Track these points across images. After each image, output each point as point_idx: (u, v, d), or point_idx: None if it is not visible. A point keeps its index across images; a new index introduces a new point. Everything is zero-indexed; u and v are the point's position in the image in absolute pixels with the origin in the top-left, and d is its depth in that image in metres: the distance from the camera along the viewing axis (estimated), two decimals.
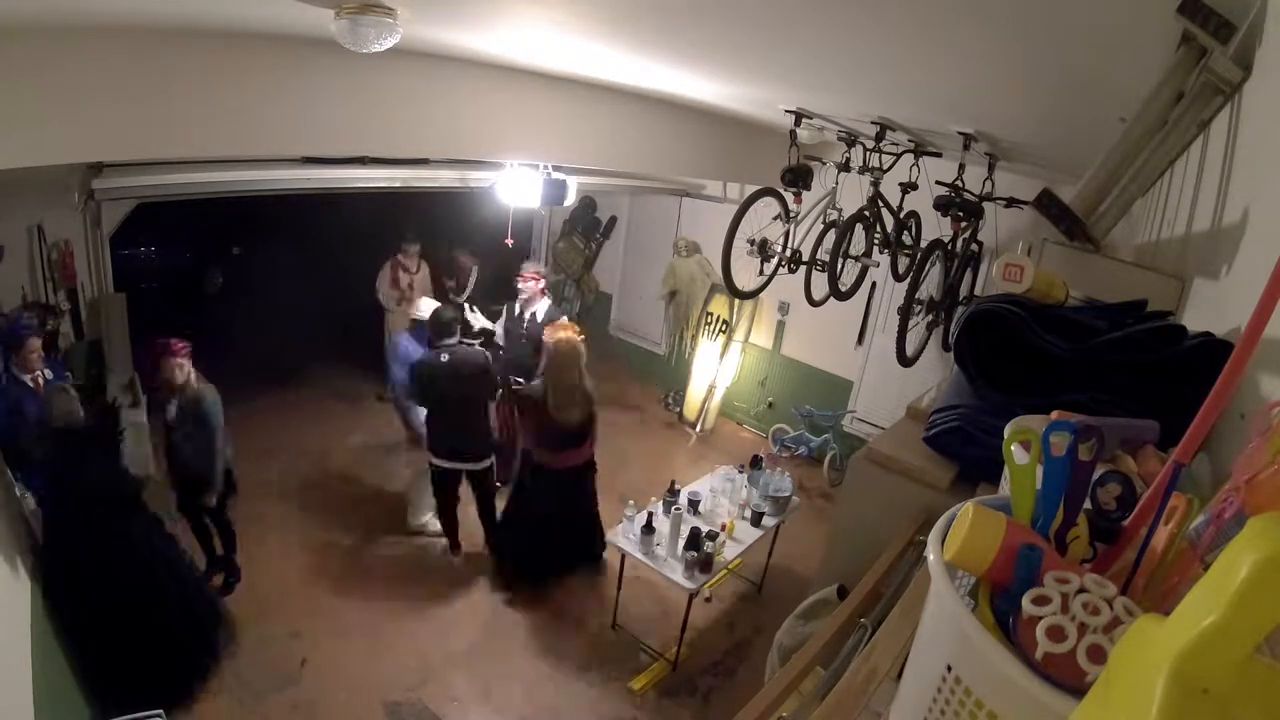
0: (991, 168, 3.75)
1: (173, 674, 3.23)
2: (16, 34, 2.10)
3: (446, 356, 4.06)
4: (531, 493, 4.22)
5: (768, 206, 3.48)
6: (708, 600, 4.42)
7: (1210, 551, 0.56)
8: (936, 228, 3.67)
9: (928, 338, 4.12)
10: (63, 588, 2.88)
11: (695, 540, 3.70)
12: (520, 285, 4.83)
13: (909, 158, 3.56)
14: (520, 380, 4.44)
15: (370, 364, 6.64)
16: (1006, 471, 0.74)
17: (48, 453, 2.95)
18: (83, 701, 2.75)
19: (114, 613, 2.96)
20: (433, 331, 4.12)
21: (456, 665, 3.72)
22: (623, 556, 3.88)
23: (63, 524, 2.94)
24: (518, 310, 4.90)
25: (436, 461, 4.24)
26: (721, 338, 6.73)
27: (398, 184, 4.64)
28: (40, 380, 3.40)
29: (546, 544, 4.26)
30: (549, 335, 4.08)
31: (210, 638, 3.43)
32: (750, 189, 3.45)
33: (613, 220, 7.70)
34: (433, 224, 7.24)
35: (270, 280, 7.27)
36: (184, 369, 3.56)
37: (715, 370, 6.76)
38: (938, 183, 3.49)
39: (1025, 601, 0.58)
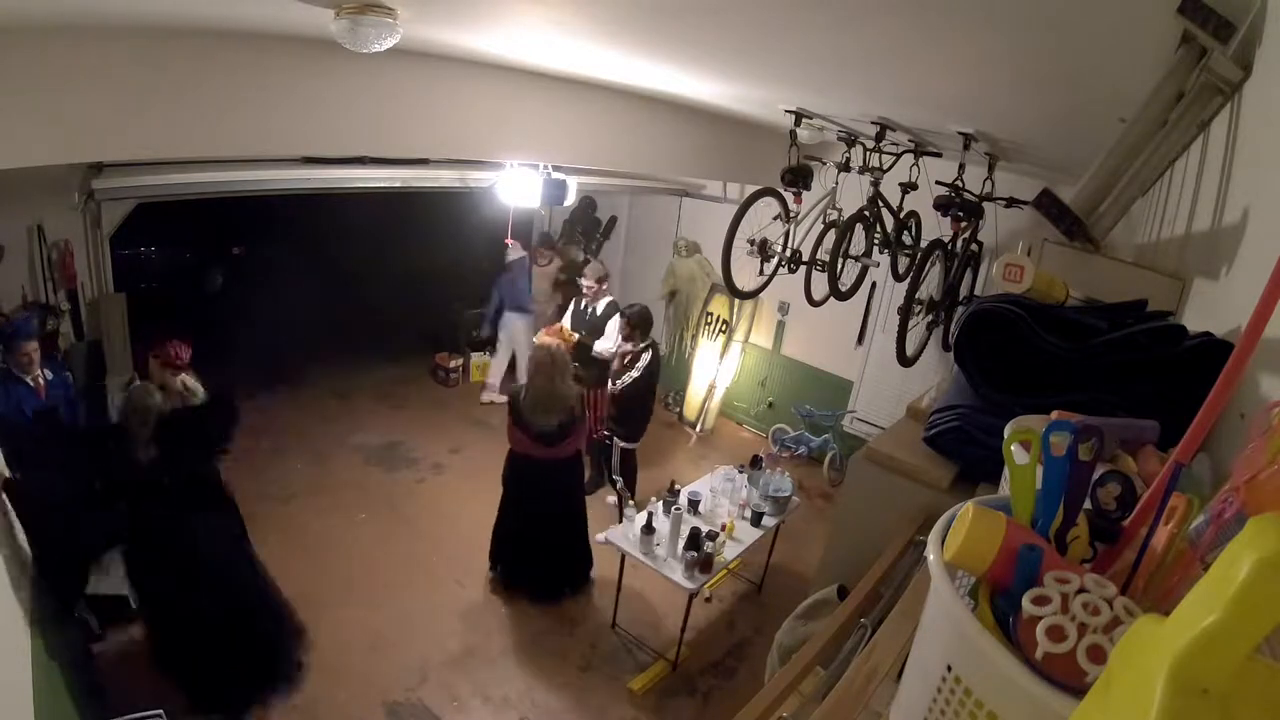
0: (991, 168, 3.75)
1: (251, 680, 3.22)
2: (16, 34, 2.10)
3: (659, 353, 4.74)
4: (514, 488, 4.23)
5: (768, 206, 3.48)
6: (708, 600, 4.41)
7: (1210, 551, 0.56)
8: (936, 228, 3.67)
9: (928, 338, 4.12)
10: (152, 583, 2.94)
11: (695, 540, 3.70)
12: (583, 285, 5.43)
13: (909, 158, 3.56)
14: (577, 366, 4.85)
15: (370, 364, 6.65)
16: (1006, 471, 0.74)
17: (151, 447, 2.95)
18: (85, 704, 2.74)
19: (200, 611, 2.98)
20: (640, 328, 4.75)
21: (456, 665, 3.72)
22: (623, 556, 3.88)
23: (153, 520, 2.94)
24: (582, 305, 5.40)
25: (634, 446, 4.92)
26: (721, 338, 6.73)
27: (398, 184, 4.65)
28: (40, 381, 3.41)
29: (536, 552, 4.23)
30: (535, 339, 4.19)
31: (288, 649, 3.42)
32: (750, 189, 3.45)
33: (613, 220, 7.69)
34: (433, 224, 7.25)
35: (270, 280, 7.27)
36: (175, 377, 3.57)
37: (715, 370, 6.76)
38: (938, 183, 3.49)
39: (1025, 601, 0.58)
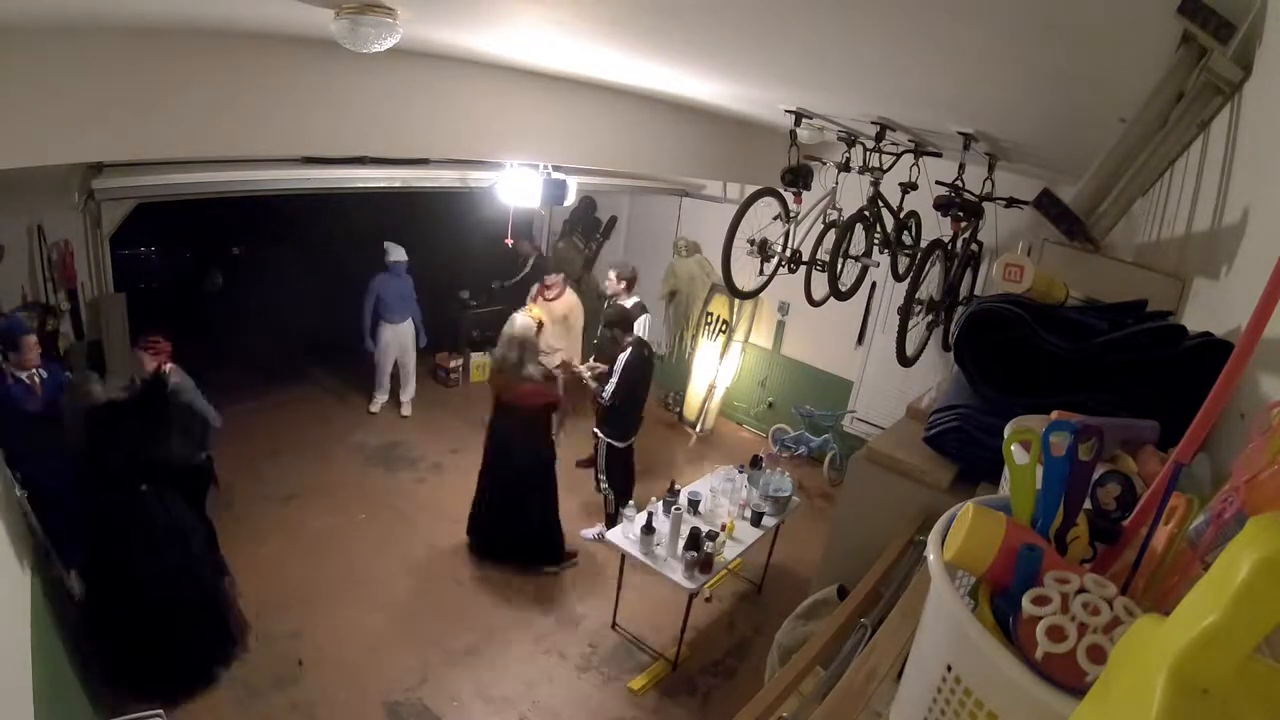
0: (991, 168, 3.75)
1: (183, 666, 3.27)
2: (18, 34, 2.10)
3: (648, 352, 4.75)
4: (489, 451, 4.55)
5: (768, 206, 3.48)
6: (708, 600, 4.42)
7: (1210, 551, 0.56)
8: (936, 228, 3.67)
9: (928, 338, 4.12)
10: (99, 567, 3.02)
11: (695, 540, 3.70)
12: (606, 284, 5.52)
13: (909, 158, 3.56)
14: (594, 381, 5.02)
15: (371, 364, 6.64)
16: (1006, 471, 0.74)
17: (80, 434, 3.02)
18: (85, 701, 2.74)
19: (138, 597, 3.04)
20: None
21: (456, 665, 3.72)
22: (623, 556, 3.88)
23: (98, 501, 3.02)
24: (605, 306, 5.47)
25: (623, 445, 4.81)
26: (721, 338, 6.73)
27: (398, 184, 4.64)
28: (37, 379, 3.40)
29: (506, 516, 4.45)
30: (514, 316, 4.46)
31: (224, 636, 3.45)
32: (750, 189, 3.45)
33: (613, 220, 7.69)
34: (433, 224, 7.25)
35: (270, 280, 7.27)
36: (152, 363, 3.56)
37: (715, 370, 6.76)
38: (938, 183, 3.49)
39: (1025, 601, 0.58)
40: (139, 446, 3.08)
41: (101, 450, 3.02)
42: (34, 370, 3.40)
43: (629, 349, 4.65)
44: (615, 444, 4.77)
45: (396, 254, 5.97)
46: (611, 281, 5.39)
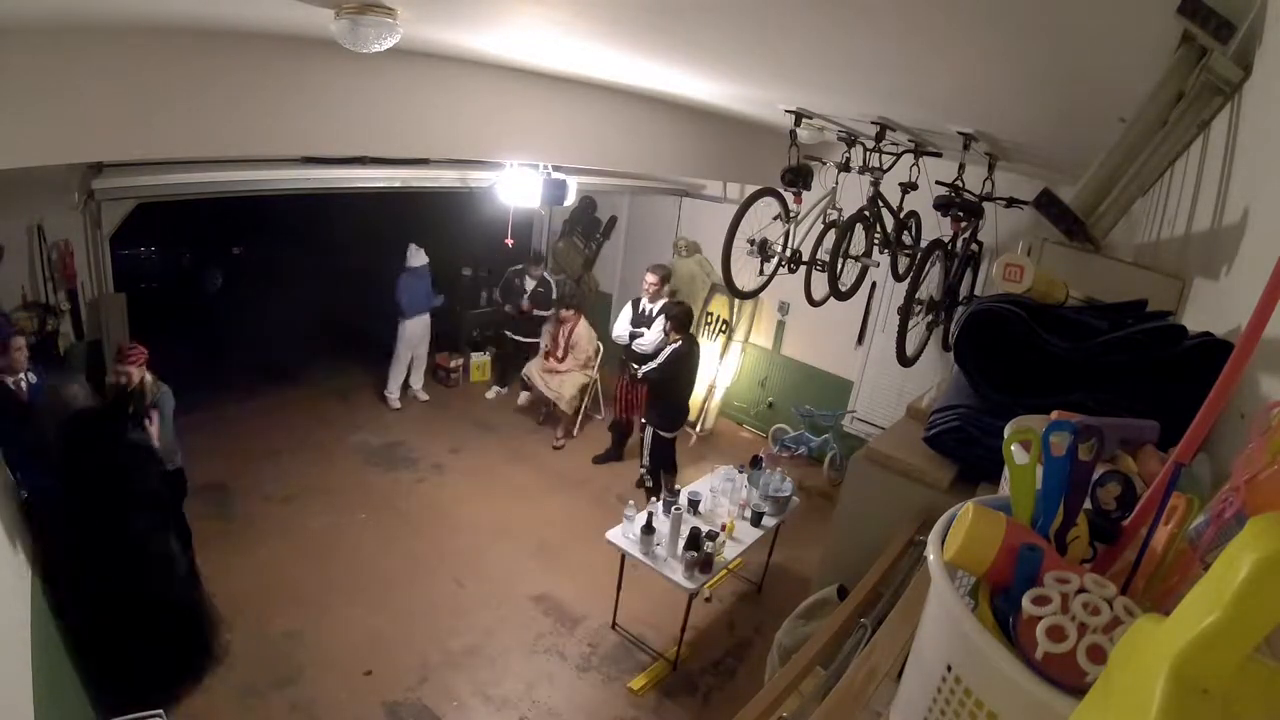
0: (991, 168, 3.75)
1: (166, 670, 3.22)
2: (16, 34, 2.10)
3: (697, 349, 5.10)
4: None
5: (768, 206, 3.48)
6: (708, 600, 4.42)
7: (1210, 551, 0.56)
8: (936, 228, 3.67)
9: (928, 338, 4.12)
10: (64, 576, 2.91)
11: (695, 540, 3.70)
12: (646, 282, 5.75)
13: (909, 158, 3.56)
14: (636, 365, 5.33)
15: (370, 364, 6.65)
16: (1006, 471, 0.74)
17: (55, 441, 2.96)
18: (85, 701, 2.74)
19: (111, 601, 2.96)
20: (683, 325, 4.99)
21: (456, 665, 3.72)
22: (623, 556, 3.88)
23: (69, 511, 2.94)
24: (640, 307, 5.73)
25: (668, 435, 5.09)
26: (721, 338, 6.73)
27: (398, 184, 4.64)
28: (24, 384, 3.22)
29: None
30: None
31: (204, 637, 3.42)
32: (750, 189, 3.45)
33: (613, 220, 7.69)
34: (433, 224, 7.25)
35: (270, 280, 7.28)
36: (132, 375, 3.47)
37: (715, 370, 6.76)
38: (938, 183, 3.49)
39: (1025, 601, 0.58)
40: (109, 457, 3.00)
41: (76, 460, 2.91)
42: (20, 375, 3.20)
43: (678, 342, 4.96)
44: (661, 433, 5.07)
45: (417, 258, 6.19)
46: (653, 283, 5.65)
